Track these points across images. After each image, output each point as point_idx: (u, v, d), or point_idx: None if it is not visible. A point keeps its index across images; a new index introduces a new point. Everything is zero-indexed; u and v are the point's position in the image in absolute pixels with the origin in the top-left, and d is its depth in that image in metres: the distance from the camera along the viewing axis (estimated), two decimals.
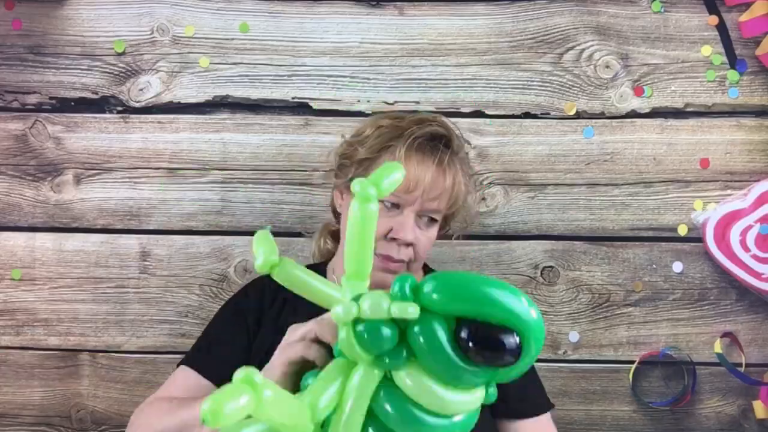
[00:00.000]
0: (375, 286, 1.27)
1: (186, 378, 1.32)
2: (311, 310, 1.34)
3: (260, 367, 1.18)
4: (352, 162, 1.32)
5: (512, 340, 0.74)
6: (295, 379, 0.98)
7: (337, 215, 1.43)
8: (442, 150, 1.28)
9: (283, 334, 1.29)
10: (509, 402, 1.29)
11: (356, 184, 0.84)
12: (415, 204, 1.25)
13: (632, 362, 1.66)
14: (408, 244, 1.26)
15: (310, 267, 1.44)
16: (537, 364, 1.41)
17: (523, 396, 1.34)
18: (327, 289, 0.91)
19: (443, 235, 1.42)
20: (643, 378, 1.68)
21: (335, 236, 1.49)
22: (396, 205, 1.26)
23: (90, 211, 1.71)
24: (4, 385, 1.73)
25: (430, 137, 1.28)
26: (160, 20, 1.70)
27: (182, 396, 1.26)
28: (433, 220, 1.29)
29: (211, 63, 1.69)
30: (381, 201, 1.21)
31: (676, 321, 1.66)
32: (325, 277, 1.38)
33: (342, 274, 1.29)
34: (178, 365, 1.36)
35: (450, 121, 1.36)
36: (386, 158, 1.27)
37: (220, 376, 1.29)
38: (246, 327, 1.36)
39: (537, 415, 1.35)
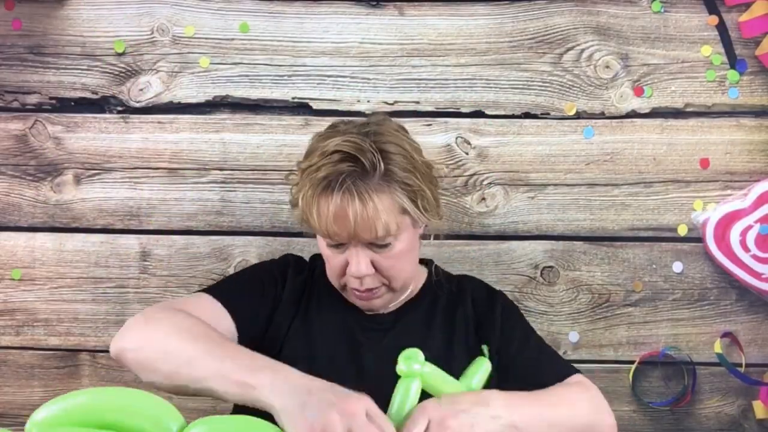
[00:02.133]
0: (364, 309, 1.36)
1: (210, 303, 1.27)
2: (337, 305, 1.35)
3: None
4: (294, 205, 1.32)
5: None
6: None
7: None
8: (346, 186, 1.20)
9: (303, 320, 1.35)
10: (524, 380, 1.27)
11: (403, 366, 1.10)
12: (353, 240, 1.23)
13: (632, 362, 1.66)
14: (361, 277, 1.26)
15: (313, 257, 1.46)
16: None
17: (537, 370, 1.32)
18: None
19: (427, 234, 1.39)
20: (643, 378, 1.68)
21: None
22: (340, 244, 1.26)
23: (90, 211, 1.71)
24: (4, 385, 1.73)
25: (335, 173, 1.21)
26: (160, 20, 1.70)
27: (202, 316, 1.21)
28: (386, 245, 1.25)
29: (211, 63, 1.69)
30: (326, 244, 1.27)
31: (676, 321, 1.66)
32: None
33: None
34: (199, 291, 1.33)
35: (376, 131, 1.26)
36: (317, 220, 1.23)
37: (242, 319, 1.27)
38: (275, 294, 1.35)
39: (561, 380, 1.29)
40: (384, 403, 1.07)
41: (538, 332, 1.49)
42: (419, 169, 1.27)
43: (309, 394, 1.01)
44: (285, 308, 1.34)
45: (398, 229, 1.24)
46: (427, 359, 1.11)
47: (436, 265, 1.45)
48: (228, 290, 1.33)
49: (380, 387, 1.11)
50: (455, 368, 1.21)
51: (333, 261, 1.28)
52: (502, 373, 1.30)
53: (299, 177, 1.28)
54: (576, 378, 1.31)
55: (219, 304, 1.27)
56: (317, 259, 1.43)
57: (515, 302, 1.65)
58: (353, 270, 1.25)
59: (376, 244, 1.25)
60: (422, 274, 1.44)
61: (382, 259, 1.26)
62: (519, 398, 1.17)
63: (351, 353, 1.32)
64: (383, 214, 1.21)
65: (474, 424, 1.07)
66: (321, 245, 1.30)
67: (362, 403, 1.00)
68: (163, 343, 1.12)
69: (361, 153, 1.21)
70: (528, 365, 1.33)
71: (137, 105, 1.70)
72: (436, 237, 1.44)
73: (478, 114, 1.68)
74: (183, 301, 1.27)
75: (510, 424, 1.11)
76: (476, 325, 1.37)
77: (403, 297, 1.39)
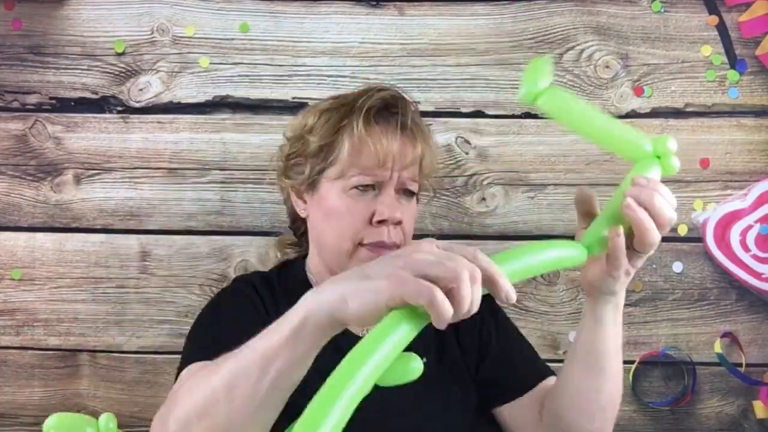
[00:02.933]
0: None
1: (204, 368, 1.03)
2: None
3: None
4: (306, 156, 1.23)
5: None
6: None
7: (297, 222, 1.36)
8: (402, 114, 1.20)
9: None
10: (503, 382, 1.25)
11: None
12: (393, 178, 1.18)
13: (632, 362, 1.66)
14: (397, 223, 1.18)
15: (269, 272, 1.33)
16: None
17: (515, 371, 1.27)
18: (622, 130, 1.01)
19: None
20: (643, 378, 1.68)
21: (294, 245, 1.41)
22: (370, 186, 1.19)
23: (90, 211, 1.71)
24: (4, 385, 1.73)
25: (384, 105, 1.21)
26: (160, 20, 1.70)
27: None
28: (410, 193, 1.22)
29: (211, 63, 1.69)
30: (355, 187, 1.17)
31: (676, 321, 1.67)
32: (305, 278, 1.29)
33: (320, 274, 1.27)
34: (180, 370, 1.11)
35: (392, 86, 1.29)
36: (344, 139, 1.18)
37: None
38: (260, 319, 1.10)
39: (540, 383, 1.25)
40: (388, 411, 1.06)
41: (539, 332, 1.50)
42: (435, 152, 1.30)
43: (362, 269, 0.79)
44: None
45: (418, 181, 1.24)
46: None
47: None
48: (207, 347, 1.03)
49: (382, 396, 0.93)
50: (447, 360, 1.21)
51: (357, 212, 1.18)
52: (480, 362, 1.27)
53: (317, 120, 1.23)
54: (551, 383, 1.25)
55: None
56: (264, 274, 1.32)
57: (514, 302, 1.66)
58: (393, 214, 1.16)
59: (408, 190, 1.21)
60: None
61: (406, 211, 1.20)
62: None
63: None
64: (425, 152, 1.22)
65: None
66: (333, 198, 1.20)
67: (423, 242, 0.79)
68: (195, 396, 0.88)
69: (401, 95, 1.24)
70: (500, 365, 1.29)
71: (137, 105, 1.70)
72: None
73: (478, 114, 1.68)
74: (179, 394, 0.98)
75: None
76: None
77: None
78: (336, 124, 1.20)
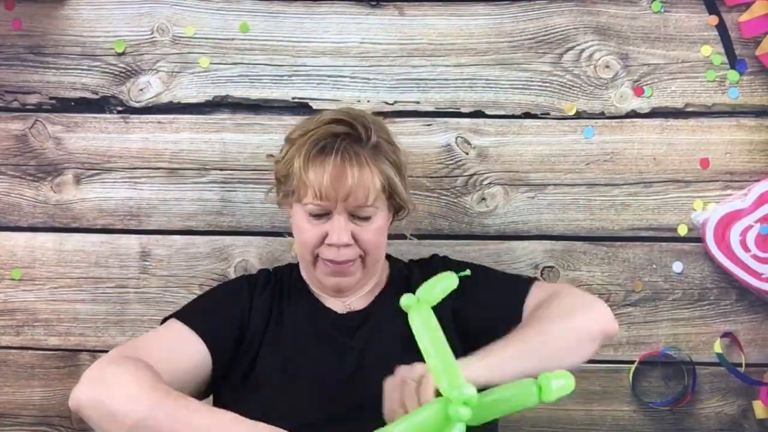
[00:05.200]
0: (331, 291, 1.36)
1: (177, 332, 1.28)
2: (309, 309, 1.36)
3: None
4: (278, 180, 1.37)
5: None
6: None
7: None
8: (343, 148, 1.27)
9: (275, 330, 1.34)
10: (486, 323, 1.30)
11: (404, 299, 1.01)
12: (338, 208, 1.28)
13: (632, 362, 1.66)
14: (344, 245, 1.29)
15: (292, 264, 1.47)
16: None
17: (498, 303, 1.34)
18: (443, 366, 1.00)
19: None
20: (643, 378, 1.68)
21: None
22: (324, 213, 1.29)
23: (90, 211, 1.71)
24: (4, 385, 1.73)
25: (331, 136, 1.29)
26: (160, 20, 1.70)
27: (162, 353, 1.22)
28: (367, 217, 1.30)
29: (211, 63, 1.69)
30: (308, 213, 1.29)
31: (676, 321, 1.66)
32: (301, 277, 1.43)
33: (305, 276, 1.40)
34: (165, 320, 1.32)
35: (360, 112, 1.38)
36: (293, 172, 1.30)
37: (213, 338, 1.27)
38: (242, 308, 1.35)
39: (522, 300, 1.33)
40: (375, 398, 1.09)
41: None
42: (398, 150, 1.36)
43: None
44: (256, 320, 1.34)
45: (379, 203, 1.31)
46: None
47: (392, 256, 1.47)
48: (194, 312, 1.34)
49: (367, 381, 1.14)
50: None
51: (311, 232, 1.30)
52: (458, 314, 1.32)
53: (287, 148, 1.35)
54: (537, 288, 1.34)
55: (187, 328, 1.28)
56: (279, 269, 1.46)
57: None
58: (335, 238, 1.28)
59: (359, 216, 1.29)
60: (386, 267, 1.45)
61: (362, 232, 1.30)
62: (500, 358, 1.12)
63: (331, 355, 1.32)
64: (376, 180, 1.29)
65: None
66: (298, 217, 1.32)
67: None
68: (113, 403, 1.08)
69: (355, 120, 1.32)
70: (478, 306, 1.34)
71: (137, 105, 1.70)
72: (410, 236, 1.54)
73: (478, 114, 1.68)
74: (147, 341, 1.28)
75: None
76: None
77: (370, 288, 1.40)
78: (290, 156, 1.32)
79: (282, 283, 1.41)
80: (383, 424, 1.01)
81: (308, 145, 1.29)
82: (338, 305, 1.38)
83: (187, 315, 1.31)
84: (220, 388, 1.31)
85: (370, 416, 1.07)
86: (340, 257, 1.29)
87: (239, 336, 1.32)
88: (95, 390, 1.10)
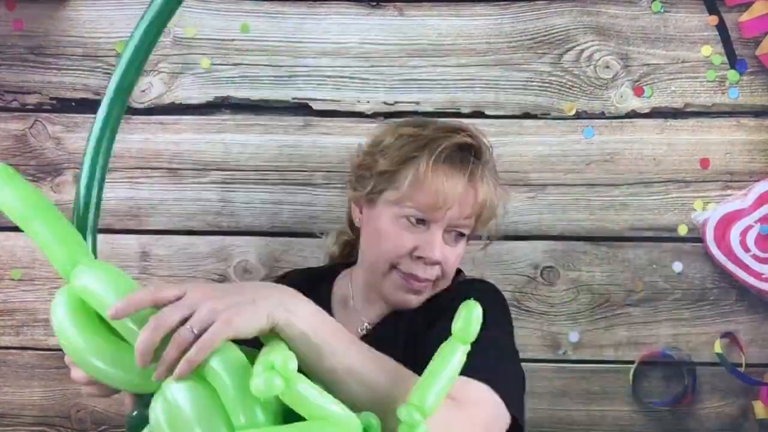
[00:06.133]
0: (395, 305, 1.24)
1: None
2: None
3: None
4: (372, 174, 1.24)
5: None
6: None
7: (353, 228, 1.38)
8: (472, 162, 1.20)
9: None
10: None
11: (402, 412, 0.82)
12: (444, 221, 1.19)
13: (632, 362, 1.66)
14: (435, 263, 1.20)
15: (319, 269, 1.43)
16: (538, 365, 1.40)
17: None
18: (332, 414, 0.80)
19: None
20: (643, 378, 1.67)
21: (347, 245, 1.45)
22: (421, 221, 1.20)
23: None
24: (4, 385, 1.73)
25: (458, 148, 1.20)
26: None
27: None
28: (461, 235, 1.23)
29: (212, 64, 1.70)
30: (406, 217, 1.19)
31: (676, 321, 1.66)
32: (332, 284, 1.35)
33: (359, 286, 1.31)
34: None
35: (478, 129, 1.27)
36: (410, 171, 1.18)
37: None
38: None
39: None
40: None
41: (539, 332, 1.49)
42: (496, 200, 1.26)
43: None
44: None
45: (471, 227, 1.24)
46: None
47: (460, 270, 1.36)
48: None
49: None
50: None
51: (403, 239, 1.19)
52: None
53: (392, 144, 1.23)
54: (470, 385, 1.00)
55: None
56: (313, 271, 1.42)
57: (514, 302, 1.66)
58: (431, 254, 1.18)
59: (458, 233, 1.22)
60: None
61: (451, 252, 1.22)
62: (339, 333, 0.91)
63: None
64: (487, 202, 1.21)
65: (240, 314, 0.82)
66: (385, 220, 1.21)
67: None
68: None
69: (479, 141, 1.23)
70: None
71: (140, 106, 1.70)
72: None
73: (478, 114, 1.68)
74: None
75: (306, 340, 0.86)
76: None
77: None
78: (407, 153, 1.20)
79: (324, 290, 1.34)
80: None
81: (439, 150, 1.18)
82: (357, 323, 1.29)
83: None
84: None
85: None
86: (426, 274, 1.20)
87: None
88: None
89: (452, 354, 0.85)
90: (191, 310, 0.81)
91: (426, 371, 0.85)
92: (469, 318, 0.86)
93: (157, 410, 0.80)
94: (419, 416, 0.82)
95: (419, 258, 1.19)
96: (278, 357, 0.73)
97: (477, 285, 1.30)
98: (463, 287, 1.27)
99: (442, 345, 0.86)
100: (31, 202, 0.89)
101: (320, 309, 0.89)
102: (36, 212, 0.89)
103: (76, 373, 0.96)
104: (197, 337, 0.79)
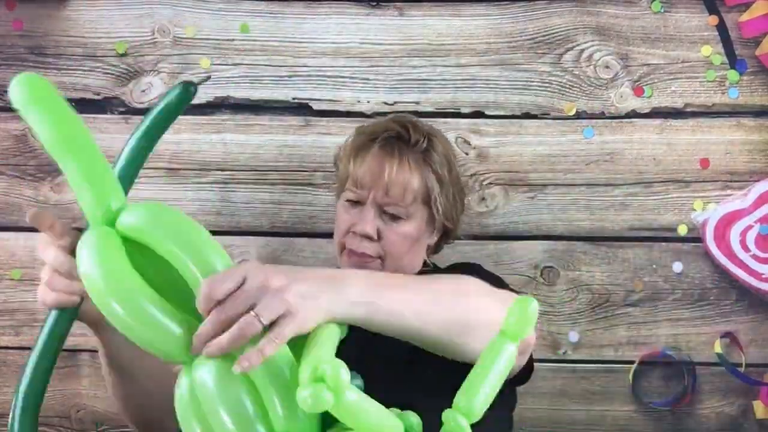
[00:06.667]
0: None
1: None
2: None
3: None
4: (339, 180, 1.41)
5: None
6: None
7: None
8: (398, 146, 1.32)
9: None
10: None
11: (447, 416, 0.81)
12: (370, 198, 1.30)
13: (632, 362, 1.66)
14: (368, 237, 1.29)
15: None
16: (538, 365, 1.39)
17: None
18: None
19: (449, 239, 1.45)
20: (643, 378, 1.67)
21: None
22: (357, 203, 1.32)
23: None
24: (4, 385, 1.73)
25: (396, 137, 1.34)
26: (161, 21, 1.70)
27: None
28: (397, 217, 1.31)
29: (212, 64, 1.70)
30: (347, 201, 1.33)
31: (676, 321, 1.66)
32: None
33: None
34: None
35: (425, 123, 1.42)
36: (349, 158, 1.34)
37: None
38: None
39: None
40: None
41: (539, 332, 1.48)
42: (453, 171, 1.38)
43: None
44: None
45: (413, 208, 1.32)
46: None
47: (437, 266, 1.43)
48: None
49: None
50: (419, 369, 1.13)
51: (344, 218, 1.33)
52: None
53: (350, 142, 1.39)
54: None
55: None
56: None
57: None
58: (359, 227, 1.29)
59: (389, 213, 1.31)
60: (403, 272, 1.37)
61: (388, 231, 1.31)
62: (387, 279, 1.02)
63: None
64: (414, 182, 1.31)
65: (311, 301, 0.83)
66: (339, 207, 1.36)
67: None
68: None
69: (412, 127, 1.36)
70: None
71: (140, 106, 1.70)
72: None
73: (478, 114, 1.68)
74: None
75: (368, 312, 0.89)
76: None
77: None
78: (354, 146, 1.36)
79: None
80: None
81: (360, 134, 1.36)
82: None
83: None
84: None
85: None
86: (360, 248, 1.30)
87: None
88: None
89: (501, 352, 0.82)
90: (257, 299, 0.79)
91: (473, 371, 0.83)
92: (524, 313, 0.81)
93: (183, 388, 0.80)
94: (465, 422, 0.80)
95: (355, 234, 1.30)
96: (328, 367, 0.71)
97: (468, 264, 1.39)
98: (451, 266, 1.38)
99: (491, 341, 0.83)
100: (66, 133, 0.87)
101: (367, 273, 1.02)
102: (70, 146, 0.89)
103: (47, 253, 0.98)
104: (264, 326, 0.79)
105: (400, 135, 1.34)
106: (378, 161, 1.31)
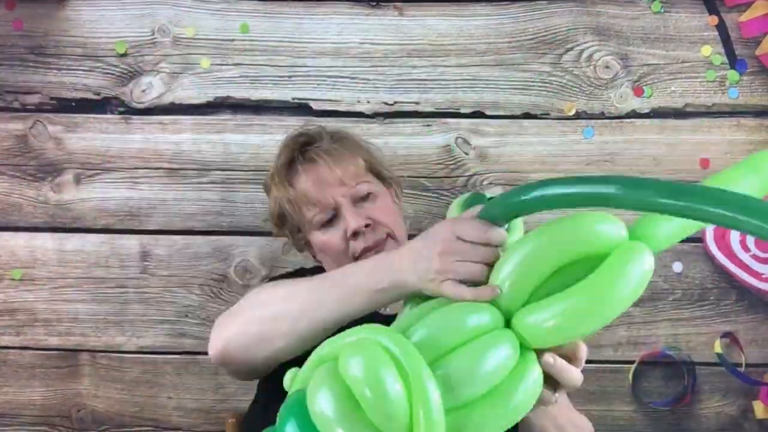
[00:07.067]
0: None
1: None
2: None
3: None
4: (285, 232, 1.40)
5: None
6: None
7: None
8: (314, 148, 1.33)
9: None
10: None
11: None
12: (336, 199, 1.29)
13: (632, 362, 1.66)
14: (366, 227, 1.27)
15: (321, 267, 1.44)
16: None
17: None
18: None
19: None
20: (643, 378, 1.67)
21: None
22: (331, 220, 1.30)
23: (90, 211, 1.71)
24: (4, 385, 1.73)
25: (300, 147, 1.35)
26: (161, 21, 1.70)
27: None
28: (366, 196, 1.31)
29: (212, 64, 1.70)
30: (320, 225, 1.31)
31: (676, 321, 1.66)
32: None
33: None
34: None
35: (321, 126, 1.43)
36: (284, 204, 1.33)
37: None
38: None
39: None
40: None
41: None
42: (372, 152, 1.41)
43: (421, 249, 0.99)
44: None
45: (369, 178, 1.34)
46: None
47: None
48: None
49: None
50: None
51: (333, 239, 1.30)
52: None
53: (270, 194, 1.39)
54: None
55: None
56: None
57: None
58: (352, 225, 1.27)
59: (360, 197, 1.31)
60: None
61: (374, 209, 1.30)
62: None
63: None
64: (350, 159, 1.32)
65: None
66: (317, 240, 1.33)
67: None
68: (266, 311, 1.11)
69: (308, 130, 1.40)
70: None
71: (140, 106, 1.70)
72: None
73: (478, 114, 1.68)
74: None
75: None
76: None
77: None
78: (275, 195, 1.36)
79: None
80: None
81: (279, 172, 1.35)
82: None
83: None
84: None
85: None
86: (368, 242, 1.28)
87: None
88: (238, 317, 1.14)
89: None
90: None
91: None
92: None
93: None
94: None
95: (355, 235, 1.28)
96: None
97: None
98: None
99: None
100: None
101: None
102: None
103: None
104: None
105: (307, 140, 1.36)
106: (312, 167, 1.31)
